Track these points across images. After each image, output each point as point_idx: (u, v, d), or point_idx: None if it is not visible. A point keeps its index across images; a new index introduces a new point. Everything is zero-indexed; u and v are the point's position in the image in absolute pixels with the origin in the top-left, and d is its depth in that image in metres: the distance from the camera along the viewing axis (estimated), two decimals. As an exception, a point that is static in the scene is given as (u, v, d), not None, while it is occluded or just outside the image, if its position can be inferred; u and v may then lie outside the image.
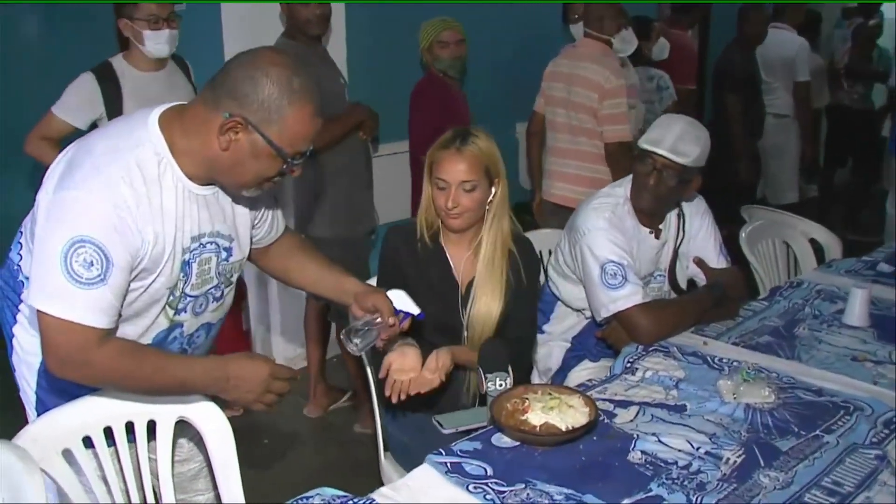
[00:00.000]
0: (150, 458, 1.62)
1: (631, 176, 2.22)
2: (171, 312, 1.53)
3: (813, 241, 2.98)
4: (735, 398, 1.76)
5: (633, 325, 2.08)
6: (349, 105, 3.02)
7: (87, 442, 1.53)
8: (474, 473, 1.51)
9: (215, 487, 1.72)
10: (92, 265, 1.31)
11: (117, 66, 2.63)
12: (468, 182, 1.93)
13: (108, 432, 1.56)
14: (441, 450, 1.60)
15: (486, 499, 1.43)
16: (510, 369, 1.84)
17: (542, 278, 2.53)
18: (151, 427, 1.61)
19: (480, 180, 1.95)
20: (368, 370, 2.19)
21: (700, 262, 2.30)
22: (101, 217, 1.33)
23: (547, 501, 1.43)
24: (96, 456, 1.54)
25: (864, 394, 1.79)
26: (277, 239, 1.78)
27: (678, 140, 2.09)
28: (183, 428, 1.72)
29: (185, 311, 1.55)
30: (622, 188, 2.25)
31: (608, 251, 2.12)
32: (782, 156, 4.74)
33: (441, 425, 1.99)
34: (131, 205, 1.36)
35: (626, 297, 2.08)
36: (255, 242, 1.71)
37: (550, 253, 2.56)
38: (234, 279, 1.64)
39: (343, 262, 2.82)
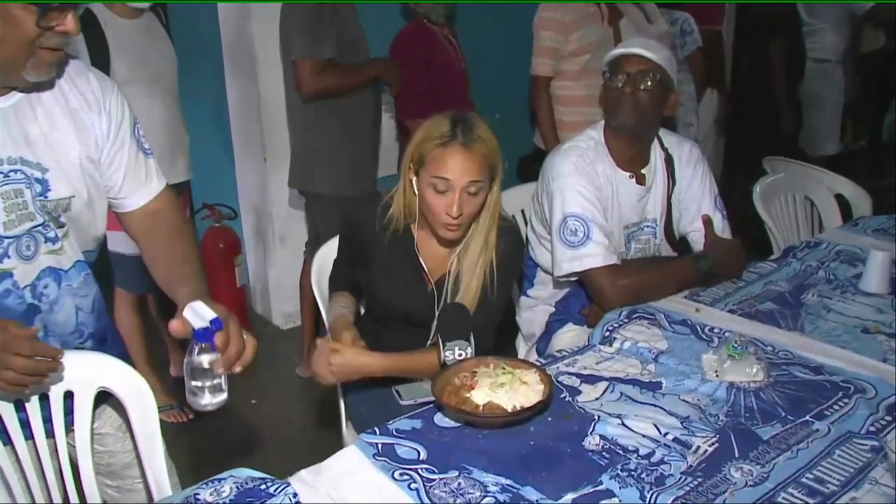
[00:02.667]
0: (70, 444, 1.48)
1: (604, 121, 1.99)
2: None
3: (841, 198, 2.67)
4: (717, 376, 1.53)
5: (594, 288, 1.88)
6: (372, 59, 2.83)
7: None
8: (405, 457, 1.33)
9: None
10: None
11: (99, 13, 2.46)
12: (476, 183, 1.64)
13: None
14: (376, 428, 1.42)
15: (411, 488, 1.25)
16: (472, 338, 1.64)
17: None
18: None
19: (486, 180, 1.67)
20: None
21: (707, 222, 2.04)
22: None
23: (479, 493, 1.24)
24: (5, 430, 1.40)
25: (869, 373, 1.54)
26: (152, 207, 1.50)
27: (643, 44, 1.97)
28: (107, 422, 1.58)
29: (9, 257, 1.34)
30: (596, 131, 2.01)
31: (572, 202, 1.89)
32: (822, 104, 4.32)
33: (400, 396, 1.82)
34: None
35: (587, 257, 1.87)
36: (116, 199, 1.47)
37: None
38: (63, 220, 1.39)
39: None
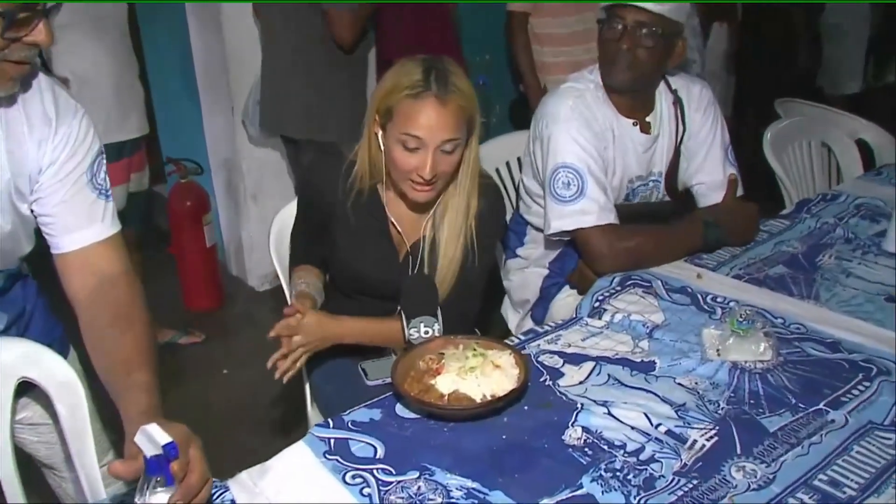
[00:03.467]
0: None
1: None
2: None
3: (863, 143, 2.48)
4: (719, 355, 1.38)
5: (588, 250, 1.73)
6: None
7: None
8: (360, 455, 1.19)
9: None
10: None
11: None
12: (452, 141, 1.46)
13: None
14: (329, 420, 1.28)
15: (363, 494, 1.12)
16: (439, 313, 1.49)
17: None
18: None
19: (462, 136, 1.48)
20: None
21: (732, 182, 1.85)
22: None
23: (440, 499, 1.10)
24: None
25: (894, 350, 1.38)
26: (96, 262, 1.27)
27: None
28: (37, 411, 1.46)
29: None
30: (594, 74, 1.82)
31: (566, 151, 1.72)
32: (845, 37, 4.09)
33: (366, 374, 1.69)
34: None
35: (579, 215, 1.71)
36: (48, 235, 1.28)
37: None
38: None
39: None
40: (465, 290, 1.61)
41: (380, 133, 1.52)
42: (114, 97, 2.37)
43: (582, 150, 1.72)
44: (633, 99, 1.80)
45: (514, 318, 2.07)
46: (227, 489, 1.15)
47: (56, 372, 1.33)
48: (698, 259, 1.76)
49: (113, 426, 1.59)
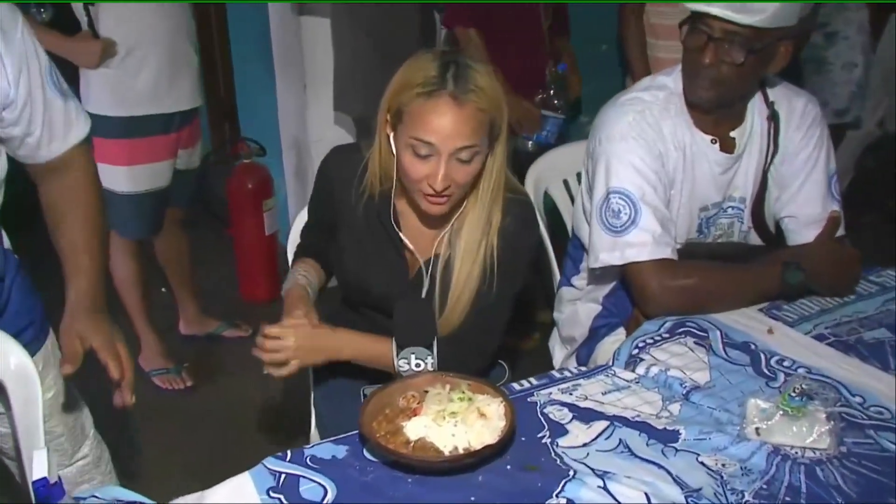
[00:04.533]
0: None
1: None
2: None
3: None
4: (759, 435, 1.22)
5: (636, 286, 1.61)
6: None
7: None
8: (306, 497, 1.15)
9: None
10: None
11: None
12: (468, 149, 1.37)
13: None
14: (287, 451, 1.24)
15: (293, 545, 1.06)
16: (435, 346, 1.41)
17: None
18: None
19: (482, 143, 1.40)
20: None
21: (834, 220, 1.68)
22: None
23: (375, 565, 1.03)
24: None
25: None
26: (66, 156, 1.40)
27: None
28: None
29: None
30: (670, 77, 1.68)
31: (619, 175, 1.61)
32: None
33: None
34: None
35: (630, 248, 1.59)
36: (23, 154, 1.36)
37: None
38: None
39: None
40: (481, 319, 1.51)
41: (391, 135, 1.45)
42: (164, 64, 2.38)
43: (637, 175, 1.59)
44: (717, 114, 1.65)
45: (559, 353, 1.95)
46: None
47: (11, 362, 1.36)
48: (776, 309, 1.59)
49: (93, 411, 1.63)
